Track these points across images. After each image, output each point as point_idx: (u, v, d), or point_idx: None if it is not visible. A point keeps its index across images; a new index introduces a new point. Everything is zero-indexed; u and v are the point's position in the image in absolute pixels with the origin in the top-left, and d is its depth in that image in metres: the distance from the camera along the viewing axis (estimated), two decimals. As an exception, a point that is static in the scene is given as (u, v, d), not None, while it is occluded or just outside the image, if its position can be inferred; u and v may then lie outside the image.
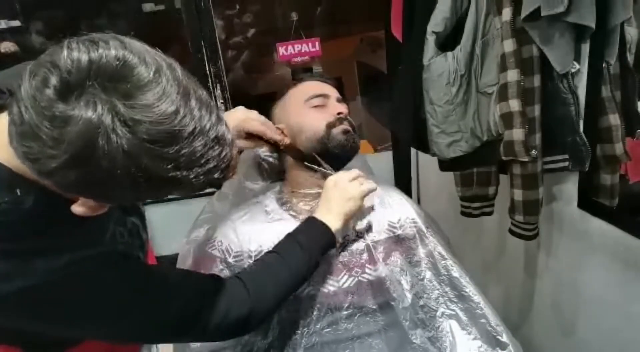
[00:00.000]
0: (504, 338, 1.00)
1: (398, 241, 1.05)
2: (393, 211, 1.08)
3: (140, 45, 0.53)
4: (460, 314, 1.02)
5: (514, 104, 1.05)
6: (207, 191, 0.99)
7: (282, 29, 2.13)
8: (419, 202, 2.16)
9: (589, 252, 1.20)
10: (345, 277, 0.99)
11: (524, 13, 0.98)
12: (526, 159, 1.07)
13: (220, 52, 1.93)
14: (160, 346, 1.22)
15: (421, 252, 1.06)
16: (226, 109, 1.83)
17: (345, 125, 1.02)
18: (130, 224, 0.78)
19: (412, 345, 0.95)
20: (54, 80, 0.48)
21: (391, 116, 1.68)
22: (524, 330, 1.52)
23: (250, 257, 0.97)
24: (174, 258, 1.08)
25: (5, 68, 0.71)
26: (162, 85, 0.50)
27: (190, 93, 0.53)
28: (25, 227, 0.59)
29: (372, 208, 1.06)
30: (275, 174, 1.16)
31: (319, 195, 0.97)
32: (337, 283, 0.98)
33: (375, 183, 0.99)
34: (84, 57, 0.48)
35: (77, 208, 0.56)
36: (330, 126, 1.01)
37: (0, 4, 2.09)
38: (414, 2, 1.25)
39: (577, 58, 1.03)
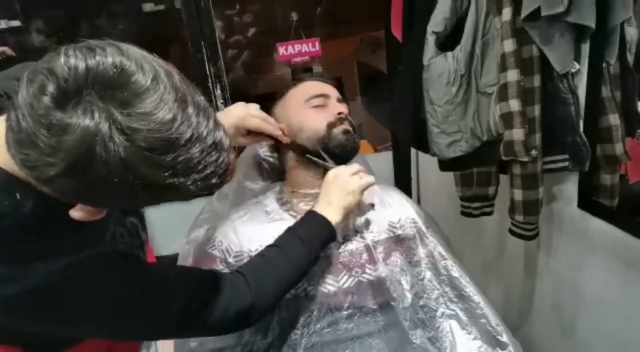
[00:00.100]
0: (504, 338, 1.00)
1: (398, 241, 1.05)
2: (393, 211, 1.08)
3: (138, 52, 0.52)
4: (460, 314, 1.02)
5: (514, 104, 1.05)
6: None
7: (282, 29, 2.13)
8: (419, 202, 2.16)
9: (589, 252, 1.20)
10: (345, 277, 0.99)
11: (524, 13, 0.98)
12: (526, 159, 1.07)
13: (220, 52, 1.93)
14: (159, 343, 1.22)
15: (421, 252, 1.06)
16: (226, 108, 1.83)
17: (345, 125, 1.02)
18: (129, 224, 0.78)
19: (412, 345, 0.95)
20: (51, 87, 0.48)
21: (391, 116, 1.68)
22: (524, 330, 1.52)
23: (250, 257, 0.97)
24: (174, 258, 1.08)
25: (3, 70, 0.71)
26: (160, 93, 0.50)
27: (187, 100, 0.53)
28: (25, 231, 0.59)
29: (372, 208, 1.06)
30: (275, 174, 1.16)
31: (319, 195, 0.97)
32: (337, 283, 0.98)
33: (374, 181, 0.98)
34: (81, 65, 0.48)
35: (75, 213, 0.56)
36: (330, 126, 1.01)
37: (0, 3, 2.09)
38: (414, 2, 1.25)
39: (577, 58, 1.03)
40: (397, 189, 1.21)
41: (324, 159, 1.00)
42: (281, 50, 1.95)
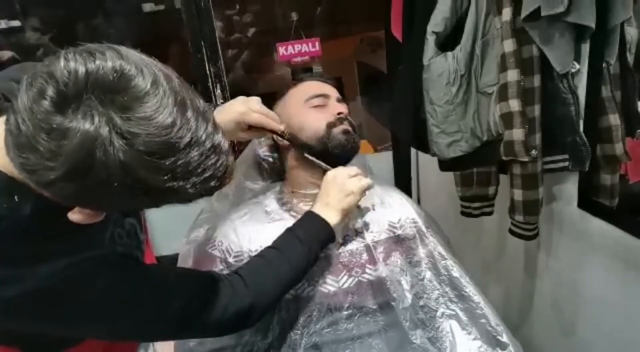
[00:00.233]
0: (504, 338, 1.00)
1: (398, 241, 1.05)
2: (393, 211, 1.08)
3: (137, 55, 0.52)
4: (461, 314, 1.02)
5: (514, 104, 1.05)
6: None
7: (282, 29, 2.13)
8: (419, 202, 2.16)
9: (589, 252, 1.20)
10: (345, 277, 0.99)
11: (524, 13, 0.98)
12: (526, 159, 1.07)
13: (220, 52, 1.93)
14: (157, 344, 1.22)
15: (421, 252, 1.06)
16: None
17: (345, 126, 1.02)
18: (128, 225, 0.78)
19: (412, 345, 0.95)
20: (50, 91, 0.48)
21: (391, 116, 1.68)
22: (524, 330, 1.52)
23: (250, 257, 0.97)
24: (174, 258, 1.08)
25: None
26: (159, 97, 0.50)
27: (186, 103, 0.53)
28: (24, 233, 0.59)
29: (372, 208, 1.06)
30: (275, 174, 1.16)
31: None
32: (337, 283, 0.98)
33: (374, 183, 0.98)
34: (81, 69, 0.48)
35: (74, 216, 0.56)
36: (330, 126, 1.01)
37: (0, 3, 2.09)
38: (414, 2, 1.25)
39: (577, 58, 1.03)
40: (397, 189, 1.21)
41: (324, 161, 1.00)
42: (281, 50, 1.95)
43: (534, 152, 1.06)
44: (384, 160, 2.18)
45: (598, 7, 0.94)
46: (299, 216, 0.94)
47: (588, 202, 1.16)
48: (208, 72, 1.93)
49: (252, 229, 1.01)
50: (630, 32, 1.03)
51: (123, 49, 0.52)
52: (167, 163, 0.51)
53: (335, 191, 0.92)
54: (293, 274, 0.86)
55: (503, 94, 1.07)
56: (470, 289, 1.04)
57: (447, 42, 1.17)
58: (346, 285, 0.98)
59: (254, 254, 0.96)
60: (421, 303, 1.02)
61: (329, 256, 0.99)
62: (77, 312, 0.65)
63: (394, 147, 2.19)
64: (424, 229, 1.08)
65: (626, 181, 1.14)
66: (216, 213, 1.12)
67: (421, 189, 2.20)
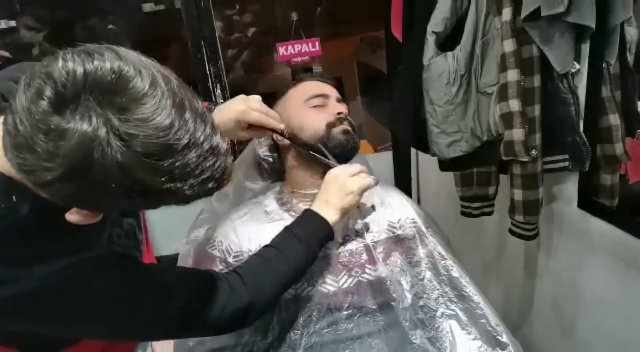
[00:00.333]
0: (504, 338, 1.00)
1: (398, 241, 1.05)
2: (393, 211, 1.08)
3: (135, 56, 0.52)
4: (460, 314, 1.02)
5: (514, 104, 1.05)
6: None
7: (282, 29, 2.13)
8: (419, 202, 2.16)
9: (589, 252, 1.20)
10: (345, 277, 0.99)
11: (524, 13, 0.98)
12: (526, 159, 1.07)
13: (220, 52, 1.92)
14: (155, 344, 1.22)
15: (421, 252, 1.06)
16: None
17: (345, 126, 1.02)
18: (127, 225, 0.78)
19: (412, 345, 0.95)
20: (48, 92, 0.48)
21: (391, 116, 1.68)
22: (524, 330, 1.52)
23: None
24: (174, 258, 1.08)
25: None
26: (158, 98, 0.50)
27: (184, 105, 0.53)
28: (22, 233, 0.59)
29: (372, 208, 1.06)
30: (275, 174, 1.16)
31: (318, 195, 0.97)
32: (336, 283, 0.98)
33: (377, 181, 0.98)
34: (79, 69, 0.48)
35: (71, 216, 0.56)
36: (330, 126, 1.01)
37: (0, 4, 2.10)
38: (414, 2, 1.25)
39: (577, 58, 1.03)
40: (397, 189, 1.21)
41: (326, 156, 0.99)
42: (281, 50, 1.95)
43: (534, 152, 1.06)
44: (384, 160, 2.18)
45: (598, 7, 0.94)
46: (299, 216, 0.94)
47: (588, 202, 1.16)
48: (208, 72, 1.92)
49: (252, 229, 1.01)
50: (630, 32, 1.03)
51: (122, 50, 0.52)
52: (165, 165, 0.51)
53: (335, 190, 0.92)
54: (292, 272, 0.86)
55: (503, 94, 1.07)
56: (470, 289, 1.04)
57: (447, 42, 1.17)
58: (346, 285, 0.98)
59: (253, 254, 0.96)
60: (421, 303, 1.02)
61: (329, 255, 0.99)
62: (76, 313, 0.65)
63: (394, 147, 2.19)
64: (423, 229, 1.08)
65: (626, 180, 1.14)
66: (216, 213, 1.12)
67: (421, 189, 2.19)
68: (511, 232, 1.21)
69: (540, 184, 1.11)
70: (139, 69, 0.50)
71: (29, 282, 0.59)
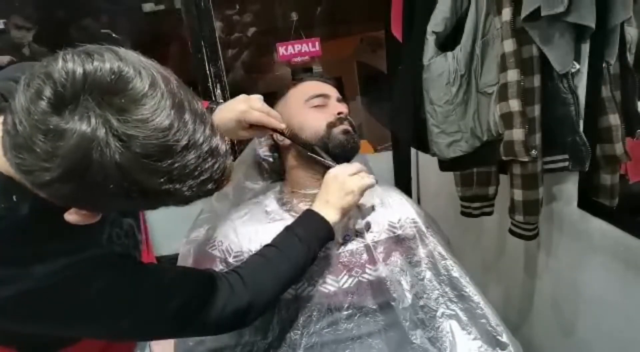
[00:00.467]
0: (504, 338, 1.00)
1: (398, 241, 1.04)
2: (393, 211, 1.08)
3: (135, 56, 0.52)
4: (460, 314, 1.02)
5: (514, 104, 1.05)
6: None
7: (282, 29, 2.13)
8: (419, 202, 2.16)
9: (589, 252, 1.20)
10: (345, 277, 0.99)
11: (524, 13, 0.98)
12: (526, 159, 1.07)
13: (220, 52, 1.93)
14: (155, 344, 1.22)
15: (421, 252, 1.06)
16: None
17: (345, 125, 1.02)
18: (126, 225, 0.78)
19: (412, 345, 0.95)
20: (48, 92, 0.47)
21: (391, 116, 1.68)
22: (524, 330, 1.52)
23: (250, 257, 0.97)
24: (174, 258, 1.08)
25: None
26: (157, 99, 0.50)
27: (184, 106, 0.53)
28: (22, 233, 0.59)
29: (372, 208, 1.06)
30: (275, 174, 1.16)
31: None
32: (337, 283, 0.98)
33: (376, 180, 0.98)
34: (79, 70, 0.48)
35: (70, 216, 0.56)
36: (330, 126, 1.01)
37: (1, 4, 2.09)
38: (414, 2, 1.25)
39: (577, 58, 1.03)
40: (397, 189, 1.21)
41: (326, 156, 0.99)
42: (281, 50, 1.95)
43: (534, 152, 1.06)
44: (384, 160, 2.18)
45: (598, 7, 0.94)
46: (299, 216, 0.94)
47: (588, 202, 1.16)
48: (208, 72, 1.92)
49: (252, 229, 1.01)
50: (630, 32, 1.03)
51: (121, 51, 0.52)
52: (163, 166, 0.51)
53: (336, 189, 0.92)
54: (292, 272, 0.86)
55: (503, 94, 1.07)
56: (470, 289, 1.04)
57: (447, 42, 1.17)
58: (346, 285, 0.98)
59: (254, 253, 0.96)
60: (421, 303, 1.02)
61: (329, 256, 0.99)
62: (76, 313, 0.65)
63: (394, 147, 2.19)
64: (424, 229, 1.08)
65: (626, 180, 1.14)
66: (216, 213, 1.12)
67: (421, 189, 2.19)
68: (511, 232, 1.21)
69: (540, 184, 1.12)
70: (139, 69, 0.50)
71: (29, 282, 0.59)
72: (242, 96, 0.96)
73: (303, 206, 1.02)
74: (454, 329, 1.01)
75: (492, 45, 1.10)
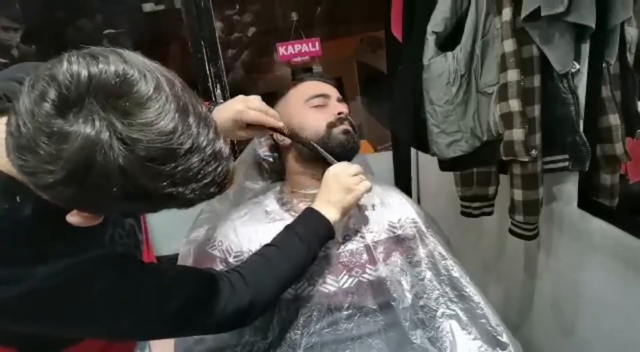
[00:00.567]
0: (504, 338, 1.00)
1: (398, 241, 1.05)
2: (393, 210, 1.08)
3: (140, 59, 0.52)
4: (461, 314, 1.02)
5: (514, 104, 1.05)
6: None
7: (282, 29, 2.13)
8: (419, 202, 2.16)
9: (589, 252, 1.20)
10: (345, 277, 0.99)
11: (524, 13, 0.98)
12: (526, 159, 1.07)
13: (220, 52, 1.92)
14: (155, 343, 1.22)
15: (421, 252, 1.06)
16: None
17: (345, 125, 1.02)
18: (128, 226, 0.79)
19: (412, 345, 0.95)
20: (52, 94, 0.47)
21: (391, 116, 1.68)
22: (524, 330, 1.52)
23: (250, 257, 0.97)
24: (174, 258, 1.08)
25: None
26: (161, 103, 0.50)
27: (188, 109, 0.53)
28: (25, 233, 0.59)
29: (372, 208, 1.06)
30: (275, 174, 1.16)
31: (318, 194, 0.97)
32: (337, 283, 0.98)
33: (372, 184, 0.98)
34: (84, 72, 0.48)
35: (72, 218, 0.56)
36: (330, 126, 1.01)
37: (2, 4, 2.09)
38: (414, 2, 1.25)
39: (577, 58, 1.03)
40: (397, 189, 1.21)
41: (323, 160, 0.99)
42: (281, 50, 1.95)
43: (534, 152, 1.06)
44: (384, 160, 2.18)
45: (598, 7, 0.94)
46: (299, 216, 0.94)
47: (588, 202, 1.16)
48: (208, 72, 1.92)
49: (252, 229, 1.01)
50: (630, 32, 1.03)
51: (126, 53, 0.52)
52: (167, 169, 0.51)
53: (336, 188, 0.92)
54: (292, 271, 0.86)
55: (503, 94, 1.07)
56: (470, 289, 1.04)
57: (447, 42, 1.17)
58: (346, 285, 0.98)
59: (254, 253, 0.96)
60: (421, 303, 1.02)
61: (329, 255, 0.99)
62: (77, 313, 0.65)
63: (394, 147, 2.19)
64: (424, 229, 1.08)
65: (626, 180, 1.14)
66: (216, 213, 1.12)
67: (421, 189, 2.19)
68: (511, 232, 1.21)
69: (540, 184, 1.11)
70: (144, 72, 0.50)
71: (31, 283, 0.59)
72: (240, 97, 0.95)
73: (303, 206, 1.02)
74: (454, 329, 1.01)
75: (492, 45, 1.10)
